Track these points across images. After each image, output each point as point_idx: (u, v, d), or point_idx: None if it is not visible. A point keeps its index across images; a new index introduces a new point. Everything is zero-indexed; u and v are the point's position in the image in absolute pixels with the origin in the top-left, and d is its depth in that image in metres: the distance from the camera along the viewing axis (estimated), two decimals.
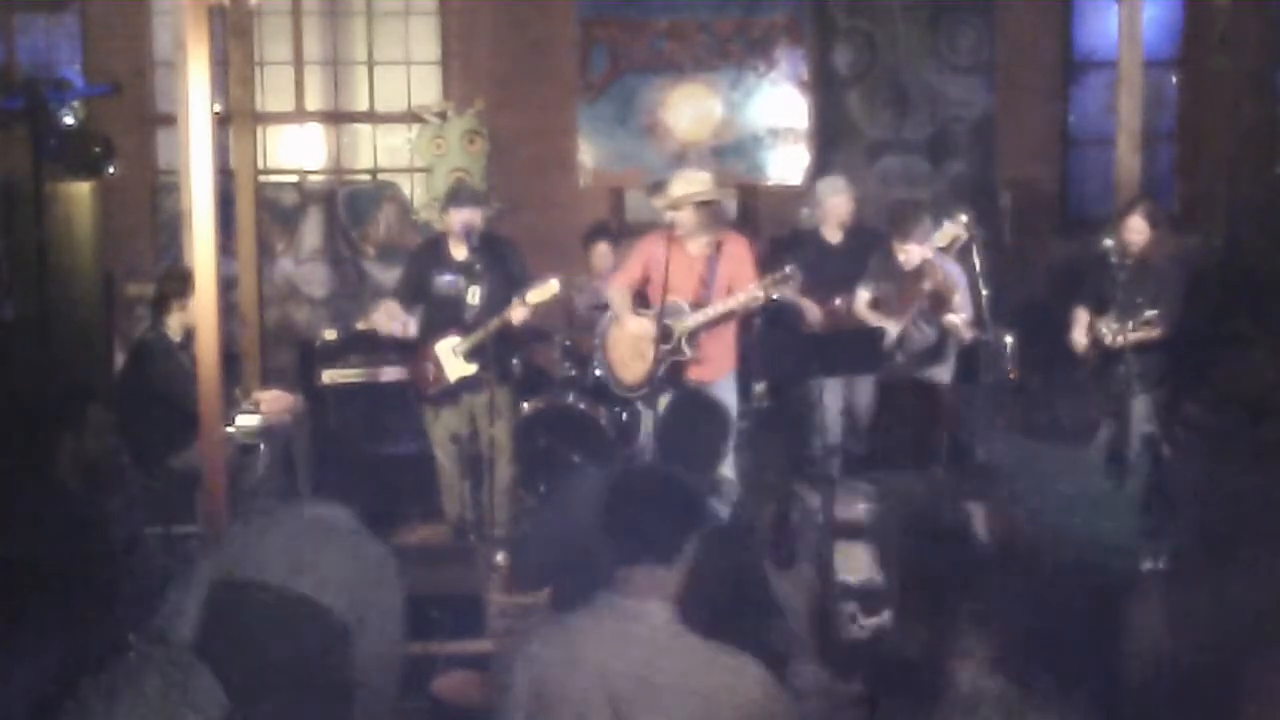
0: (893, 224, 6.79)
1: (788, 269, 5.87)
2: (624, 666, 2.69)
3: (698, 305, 6.09)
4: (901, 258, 6.55)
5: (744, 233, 8.83)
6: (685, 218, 6.09)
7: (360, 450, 7.39)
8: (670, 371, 6.12)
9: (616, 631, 2.73)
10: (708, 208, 6.16)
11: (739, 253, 6.22)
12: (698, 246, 6.09)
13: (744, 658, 2.71)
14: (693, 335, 6.08)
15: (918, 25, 9.35)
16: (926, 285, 6.46)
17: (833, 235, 7.18)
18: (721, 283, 6.13)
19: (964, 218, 6.85)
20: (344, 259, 9.08)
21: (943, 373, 6.68)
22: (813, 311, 7.01)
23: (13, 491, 4.81)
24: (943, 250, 6.68)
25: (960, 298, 6.46)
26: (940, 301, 6.44)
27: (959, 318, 6.41)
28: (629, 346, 6.29)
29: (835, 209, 7.15)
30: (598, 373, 6.80)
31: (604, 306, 6.73)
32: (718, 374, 6.20)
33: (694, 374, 6.12)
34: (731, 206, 9.52)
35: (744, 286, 6.09)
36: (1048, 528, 3.83)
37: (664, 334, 6.12)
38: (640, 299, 6.35)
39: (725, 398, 6.21)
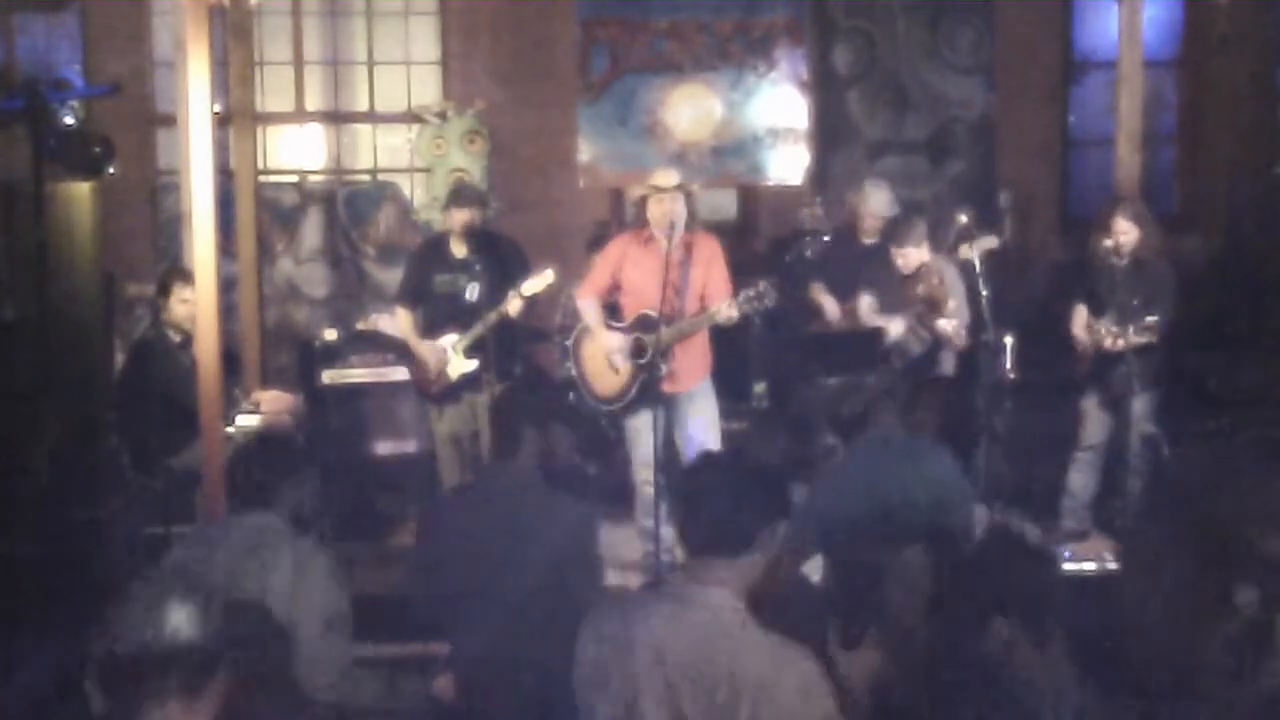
0: (891, 230, 6.78)
1: (762, 286, 5.78)
2: (684, 648, 2.71)
3: (671, 313, 5.93)
4: (899, 262, 6.52)
5: (741, 233, 8.85)
6: (659, 211, 6.01)
7: (360, 450, 7.40)
8: (645, 385, 6.04)
9: (680, 615, 2.75)
10: (685, 196, 6.06)
11: (711, 254, 6.11)
12: (667, 247, 5.91)
13: (803, 652, 2.70)
14: (666, 349, 6.00)
15: (918, 25, 9.35)
16: (920, 289, 6.43)
17: (867, 238, 7.17)
18: (695, 288, 6.03)
19: (964, 217, 6.84)
20: (344, 259, 9.09)
21: (945, 367, 6.65)
22: (831, 308, 6.98)
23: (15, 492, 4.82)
24: (977, 261, 6.61)
25: (955, 303, 6.42)
26: (933, 306, 6.40)
27: (951, 323, 6.36)
28: (603, 360, 6.23)
29: (876, 212, 7.12)
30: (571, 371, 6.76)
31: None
32: (693, 382, 6.14)
33: (669, 386, 6.06)
34: (732, 206, 9.53)
35: (718, 289, 5.99)
36: None
37: (638, 350, 6.07)
38: (611, 307, 6.30)
39: (703, 403, 6.20)
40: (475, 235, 6.46)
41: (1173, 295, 6.27)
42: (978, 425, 6.94)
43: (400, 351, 7.37)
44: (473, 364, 6.43)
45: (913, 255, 6.49)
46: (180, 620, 2.21)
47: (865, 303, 6.70)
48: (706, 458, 3.23)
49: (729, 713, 2.63)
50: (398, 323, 6.84)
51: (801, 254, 8.17)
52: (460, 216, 6.46)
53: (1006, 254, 8.77)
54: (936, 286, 6.40)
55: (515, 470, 4.13)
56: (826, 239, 8.07)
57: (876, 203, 7.10)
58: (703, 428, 6.13)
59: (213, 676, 2.24)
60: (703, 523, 2.82)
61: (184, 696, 2.21)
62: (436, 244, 6.78)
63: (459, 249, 6.50)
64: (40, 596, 4.45)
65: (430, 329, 6.60)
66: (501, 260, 6.47)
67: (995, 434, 6.58)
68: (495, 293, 6.34)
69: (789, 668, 2.66)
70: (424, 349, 6.57)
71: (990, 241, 7.09)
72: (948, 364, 6.62)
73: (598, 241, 7.58)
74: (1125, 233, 6.24)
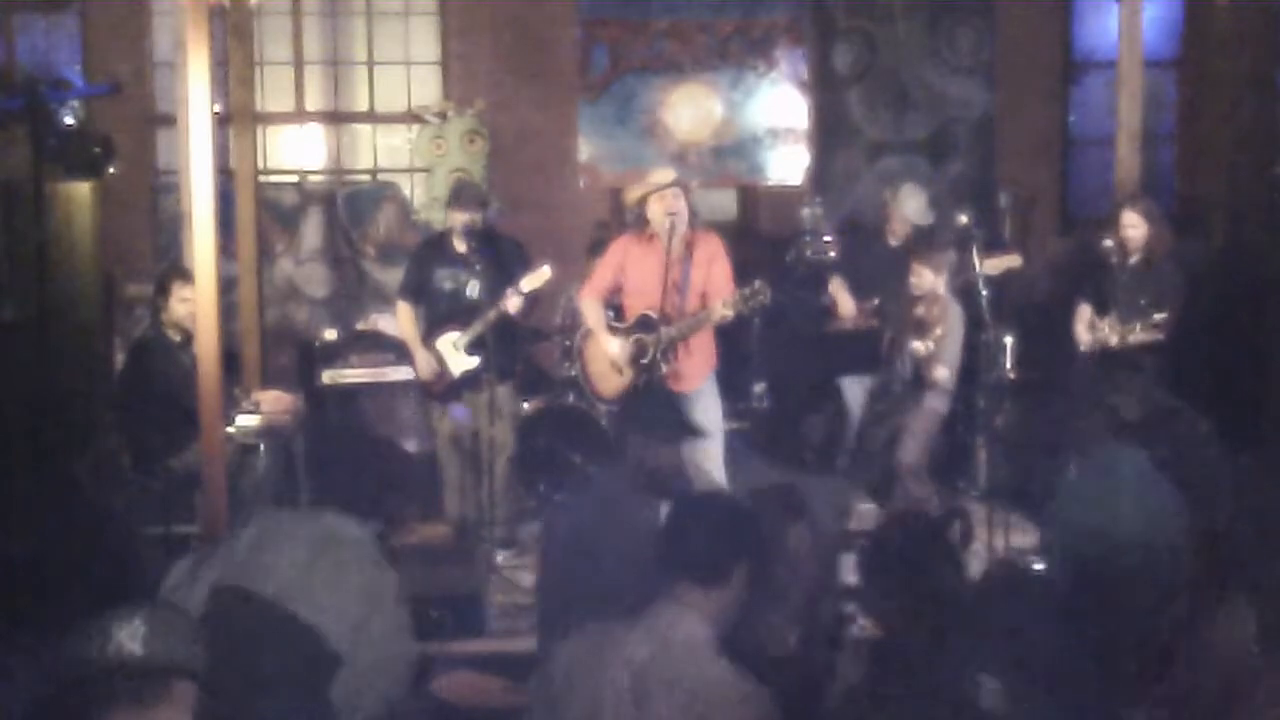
0: (918, 242, 6.74)
1: (757, 284, 5.77)
2: (648, 658, 2.88)
3: (673, 312, 5.95)
4: (914, 279, 6.48)
5: (741, 233, 8.84)
6: (660, 209, 6.02)
7: (360, 450, 7.40)
8: (648, 384, 6.03)
9: (651, 630, 2.93)
10: (678, 194, 6.05)
11: (712, 252, 6.11)
12: (668, 246, 5.94)
13: (757, 688, 2.87)
14: (667, 350, 6.00)
15: (918, 25, 9.35)
16: (919, 311, 6.40)
17: (895, 240, 7.14)
18: (696, 287, 6.03)
19: (963, 217, 6.84)
20: (344, 259, 9.08)
21: (935, 402, 6.57)
22: (847, 306, 6.96)
23: (16, 492, 4.82)
24: (991, 278, 6.57)
25: (941, 331, 6.36)
26: (921, 327, 6.36)
27: (924, 345, 6.31)
28: (605, 362, 6.23)
29: (909, 216, 7.08)
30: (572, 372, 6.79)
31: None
32: (697, 381, 6.14)
33: (674, 385, 6.06)
34: (732, 206, 9.53)
35: (720, 288, 6.00)
36: None
37: (639, 351, 6.07)
38: (614, 309, 6.31)
39: (708, 402, 6.20)
40: (476, 233, 6.48)
41: (1179, 295, 6.25)
42: (978, 425, 6.94)
43: (400, 351, 7.38)
44: (474, 361, 6.44)
45: (928, 277, 6.44)
46: (123, 636, 2.34)
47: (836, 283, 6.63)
48: (685, 496, 3.42)
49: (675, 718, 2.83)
50: (399, 319, 6.85)
51: (802, 254, 8.17)
52: (460, 218, 6.48)
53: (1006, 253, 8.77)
54: (933, 314, 6.39)
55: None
56: (828, 239, 8.05)
57: (911, 208, 7.07)
58: (706, 428, 6.13)
59: (165, 688, 2.37)
60: (679, 557, 3.01)
61: (132, 708, 2.34)
62: (439, 240, 6.81)
63: (460, 246, 6.51)
64: (40, 597, 4.45)
65: (432, 326, 6.62)
66: (502, 257, 6.49)
67: (995, 434, 6.58)
68: (496, 290, 6.35)
69: (733, 694, 2.84)
70: (419, 355, 6.59)
71: (1013, 260, 7.06)
72: (939, 402, 6.55)
73: (598, 245, 7.57)
74: (1134, 226, 6.23)
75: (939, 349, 6.34)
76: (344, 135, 9.38)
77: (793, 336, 7.31)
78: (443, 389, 6.59)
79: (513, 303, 6.31)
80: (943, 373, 6.36)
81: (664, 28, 9.16)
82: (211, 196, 5.34)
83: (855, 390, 6.81)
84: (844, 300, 6.88)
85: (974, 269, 6.47)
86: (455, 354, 6.51)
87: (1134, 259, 6.27)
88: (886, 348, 6.61)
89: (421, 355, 6.58)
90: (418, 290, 6.69)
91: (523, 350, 7.07)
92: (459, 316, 6.49)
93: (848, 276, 7.07)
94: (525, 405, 7.09)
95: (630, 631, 2.95)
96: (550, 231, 8.43)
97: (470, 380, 6.48)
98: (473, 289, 6.43)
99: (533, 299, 6.43)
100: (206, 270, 5.32)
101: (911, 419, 6.51)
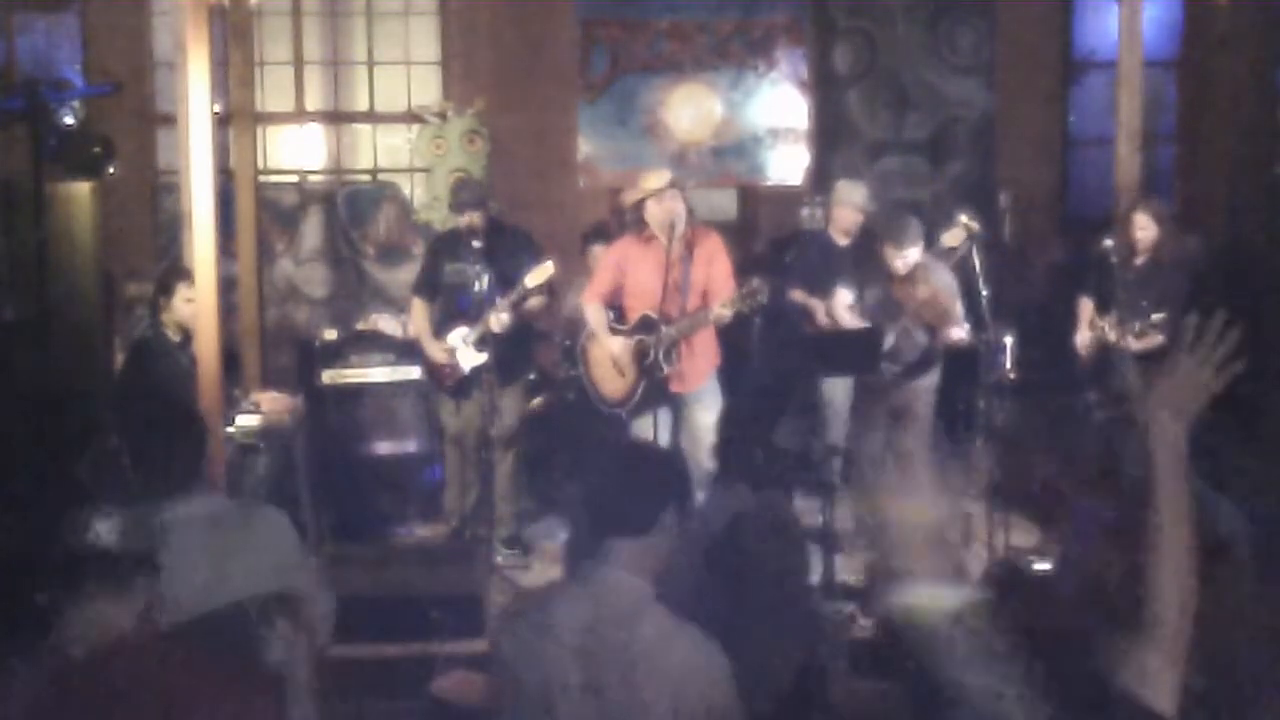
0: (885, 229, 6.71)
1: (754, 283, 5.77)
2: (598, 632, 2.84)
3: (673, 313, 5.95)
4: (898, 264, 6.44)
5: (741, 233, 8.84)
6: (660, 211, 6.03)
7: (360, 450, 7.40)
8: (651, 385, 6.04)
9: (595, 599, 2.88)
10: (676, 195, 6.06)
11: (712, 250, 6.12)
12: (669, 246, 5.95)
13: (696, 633, 2.84)
14: (669, 350, 6.01)
15: (918, 25, 9.35)
16: (921, 292, 6.38)
17: (840, 238, 7.12)
18: (697, 286, 6.04)
19: (964, 217, 6.83)
20: (344, 259, 9.08)
21: (932, 378, 6.60)
22: (816, 307, 6.95)
23: (16, 491, 4.82)
24: (952, 250, 6.59)
25: (954, 307, 6.38)
26: (939, 312, 6.34)
27: (964, 331, 6.32)
28: (608, 363, 6.24)
29: (850, 212, 7.05)
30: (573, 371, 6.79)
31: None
32: (699, 381, 6.15)
33: (676, 386, 6.07)
34: (732, 206, 9.53)
35: (721, 287, 6.01)
36: None
37: (641, 352, 6.09)
38: (615, 310, 6.32)
39: (709, 400, 6.20)
40: (482, 230, 6.50)
41: (1182, 296, 6.24)
42: (978, 425, 6.93)
43: (400, 351, 7.38)
44: (484, 356, 6.46)
45: (912, 256, 6.40)
46: (103, 529, 2.62)
47: (843, 300, 6.61)
48: (607, 452, 3.37)
49: (628, 682, 2.79)
50: (413, 315, 6.90)
51: (802, 253, 8.17)
52: (463, 221, 6.52)
53: (1006, 254, 8.79)
54: (937, 289, 6.37)
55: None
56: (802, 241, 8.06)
57: (855, 200, 7.03)
58: (708, 428, 6.13)
59: (131, 580, 2.61)
60: (602, 513, 2.94)
61: (107, 594, 2.59)
62: (450, 237, 6.87)
63: (470, 242, 6.53)
64: (40, 596, 4.45)
65: (443, 321, 6.66)
66: (511, 251, 6.52)
67: (995, 434, 6.58)
68: (505, 283, 6.39)
69: (678, 645, 2.82)
70: (431, 346, 6.64)
71: (971, 225, 6.99)
72: (934, 377, 6.57)
73: (597, 235, 7.58)
74: (1145, 228, 6.22)
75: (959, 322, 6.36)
76: (344, 135, 9.39)
77: (793, 336, 7.30)
78: (454, 383, 6.62)
79: (518, 297, 6.34)
80: (967, 339, 6.37)
81: (664, 28, 9.16)
82: (211, 196, 5.34)
83: (839, 392, 6.80)
84: (813, 302, 6.89)
85: (974, 270, 6.47)
86: (465, 349, 6.53)
87: (1140, 259, 6.26)
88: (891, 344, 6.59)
89: (433, 346, 6.62)
90: (431, 287, 6.75)
91: (534, 348, 7.09)
92: (469, 311, 6.51)
93: (801, 283, 7.04)
94: (534, 403, 7.11)
95: (565, 602, 2.93)
96: (550, 231, 8.42)
97: (481, 374, 6.49)
98: (481, 284, 6.44)
99: (540, 292, 6.44)
100: (206, 270, 5.32)
101: (909, 401, 6.52)
